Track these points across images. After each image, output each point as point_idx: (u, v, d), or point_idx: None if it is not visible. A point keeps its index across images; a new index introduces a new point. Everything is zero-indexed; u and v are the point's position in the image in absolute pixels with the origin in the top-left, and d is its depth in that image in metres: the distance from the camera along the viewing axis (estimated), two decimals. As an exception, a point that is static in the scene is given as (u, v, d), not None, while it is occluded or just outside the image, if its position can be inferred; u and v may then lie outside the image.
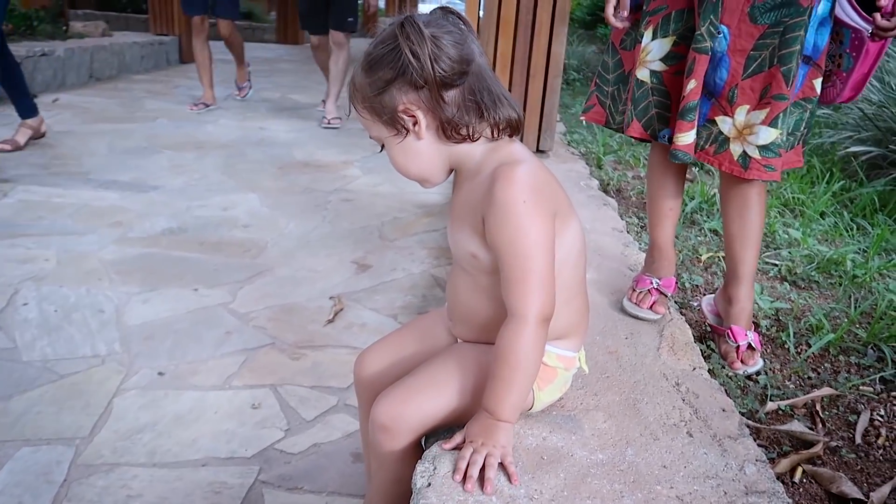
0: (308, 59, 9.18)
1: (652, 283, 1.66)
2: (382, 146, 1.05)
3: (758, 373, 1.59)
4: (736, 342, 1.58)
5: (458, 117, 0.97)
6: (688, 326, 1.63)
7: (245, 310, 2.16)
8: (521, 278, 0.95)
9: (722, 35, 1.41)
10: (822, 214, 2.78)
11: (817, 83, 1.42)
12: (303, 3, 4.79)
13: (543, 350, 1.00)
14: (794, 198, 2.91)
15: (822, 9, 1.37)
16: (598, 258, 2.00)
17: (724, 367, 1.60)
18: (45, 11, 5.97)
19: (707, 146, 1.49)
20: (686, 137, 1.46)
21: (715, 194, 2.85)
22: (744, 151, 1.43)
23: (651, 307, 1.62)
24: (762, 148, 1.40)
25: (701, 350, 1.54)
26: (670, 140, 1.49)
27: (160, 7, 7.25)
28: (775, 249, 2.38)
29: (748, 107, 1.41)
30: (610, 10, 1.58)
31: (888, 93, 3.22)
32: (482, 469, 0.97)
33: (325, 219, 2.99)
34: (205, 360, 1.88)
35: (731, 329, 1.60)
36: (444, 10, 1.00)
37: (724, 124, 1.45)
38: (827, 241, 2.51)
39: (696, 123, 1.45)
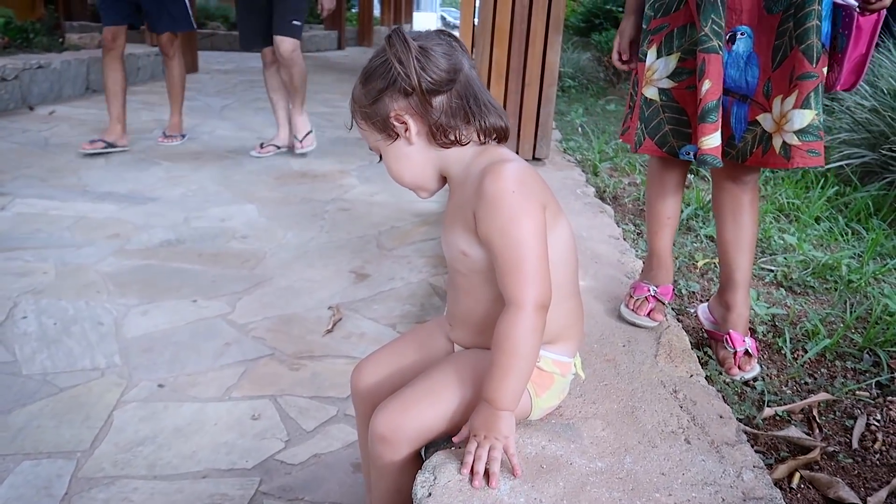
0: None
1: (649, 290, 1.67)
2: (381, 157, 1.09)
3: (755, 378, 1.60)
4: (734, 348, 1.59)
5: (446, 122, 1.01)
6: (685, 333, 1.64)
7: (244, 321, 2.17)
8: (516, 267, 0.97)
9: (746, 35, 1.41)
10: (817, 219, 2.79)
11: (825, 69, 1.41)
12: (240, 14, 4.03)
13: (541, 338, 1.01)
14: (788, 203, 2.93)
15: None
16: (594, 265, 2.01)
17: (721, 374, 1.61)
18: (40, 24, 5.99)
19: (755, 149, 1.46)
20: (711, 140, 1.41)
21: (710, 200, 2.86)
22: (783, 142, 1.40)
23: (649, 314, 1.63)
24: (800, 132, 1.37)
25: (698, 357, 1.55)
26: (696, 156, 1.47)
27: (156, 18, 7.27)
28: (771, 255, 2.39)
29: (781, 96, 1.39)
30: (616, 56, 1.68)
31: (880, 98, 3.25)
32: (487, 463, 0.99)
33: (322, 228, 3.00)
34: (204, 371, 1.89)
35: (729, 335, 1.61)
36: (439, 31, 1.05)
37: (766, 121, 1.43)
38: (822, 246, 2.52)
39: (719, 125, 1.42)
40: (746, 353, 1.59)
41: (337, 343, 2.07)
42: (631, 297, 1.68)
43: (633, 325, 1.63)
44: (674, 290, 1.74)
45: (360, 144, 4.67)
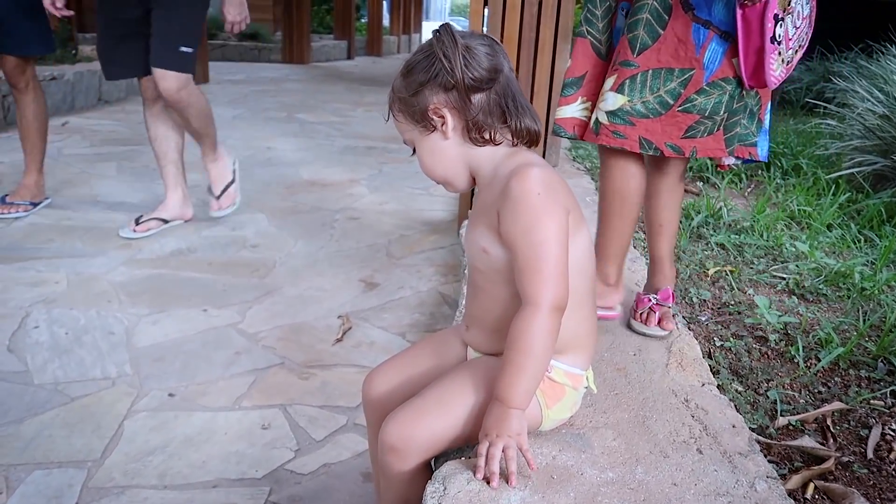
0: (314, 78, 9.23)
1: (650, 300, 1.66)
2: (414, 150, 1.11)
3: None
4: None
5: (483, 119, 1.03)
6: (696, 342, 1.63)
7: (254, 330, 2.17)
8: (536, 267, 0.98)
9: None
10: (829, 227, 2.77)
11: (737, 63, 1.38)
12: (102, 32, 2.79)
13: (555, 339, 1.01)
14: (800, 210, 2.91)
15: None
16: (604, 274, 2.00)
17: (732, 383, 1.59)
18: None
19: None
20: (561, 112, 1.56)
21: (721, 208, 2.85)
22: (596, 119, 1.49)
23: (659, 324, 1.62)
24: (610, 114, 1.45)
25: (710, 366, 1.54)
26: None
27: (167, 29, 7.32)
28: (783, 263, 2.37)
29: (608, 77, 1.48)
30: None
31: (891, 105, 3.23)
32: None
33: (332, 237, 3.01)
34: (214, 380, 1.89)
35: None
36: (482, 34, 1.08)
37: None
38: (834, 253, 2.50)
39: (571, 101, 1.54)
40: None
41: (346, 352, 2.07)
42: (636, 311, 1.67)
43: (645, 335, 1.62)
44: (674, 293, 1.73)
45: (370, 153, 4.69)
